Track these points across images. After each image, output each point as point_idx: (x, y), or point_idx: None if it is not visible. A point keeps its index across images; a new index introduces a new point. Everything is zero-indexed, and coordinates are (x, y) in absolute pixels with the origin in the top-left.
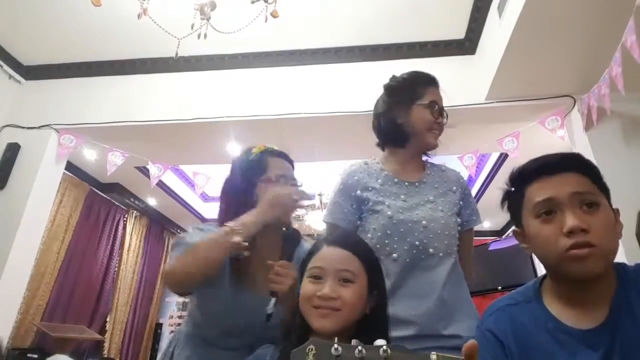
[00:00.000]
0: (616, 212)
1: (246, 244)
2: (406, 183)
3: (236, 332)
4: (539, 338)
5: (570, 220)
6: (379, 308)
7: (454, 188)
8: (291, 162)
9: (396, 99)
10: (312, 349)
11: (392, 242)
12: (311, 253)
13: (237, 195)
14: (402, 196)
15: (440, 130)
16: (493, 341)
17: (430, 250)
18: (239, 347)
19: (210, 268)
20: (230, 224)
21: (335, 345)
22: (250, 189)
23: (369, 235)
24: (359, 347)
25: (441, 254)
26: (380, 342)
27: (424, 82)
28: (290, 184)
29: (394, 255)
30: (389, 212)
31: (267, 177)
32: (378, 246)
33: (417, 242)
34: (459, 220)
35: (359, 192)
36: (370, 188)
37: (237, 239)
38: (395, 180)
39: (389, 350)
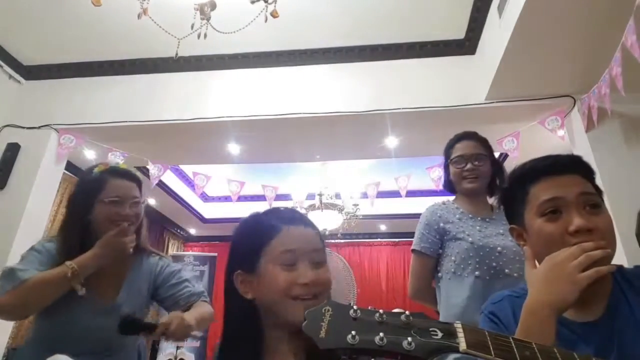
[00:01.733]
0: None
1: (82, 288)
2: (479, 218)
3: (82, 338)
4: None
5: (577, 220)
6: None
7: None
8: (136, 180)
9: (444, 163)
10: (328, 310)
11: (474, 262)
12: (268, 236)
13: (78, 213)
14: (478, 227)
15: (475, 174)
16: (496, 322)
17: (506, 271)
18: (91, 352)
19: (44, 304)
20: (70, 264)
21: (355, 307)
22: (88, 209)
23: (452, 258)
24: (380, 311)
25: (515, 275)
26: (399, 310)
27: (453, 142)
28: (130, 204)
29: (477, 273)
30: (470, 239)
31: (102, 198)
32: (462, 266)
33: (494, 264)
34: None
35: (441, 224)
36: (450, 221)
37: (74, 282)
38: (470, 215)
39: (410, 317)
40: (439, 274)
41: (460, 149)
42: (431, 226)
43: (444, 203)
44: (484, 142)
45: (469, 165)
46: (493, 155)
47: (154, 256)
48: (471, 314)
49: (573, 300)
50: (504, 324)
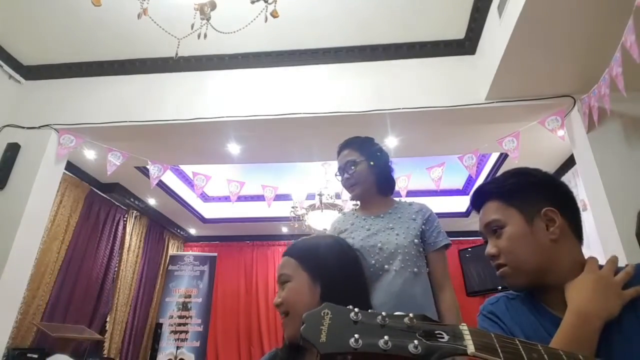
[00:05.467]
0: (541, 215)
1: None
2: (372, 217)
3: None
4: (537, 328)
5: (487, 249)
6: (331, 293)
7: (414, 217)
8: None
9: None
10: (327, 313)
11: None
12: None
13: None
14: (367, 227)
15: (351, 182)
16: (495, 320)
17: (385, 267)
18: None
19: None
20: None
21: (355, 310)
22: None
23: None
24: (382, 314)
25: (395, 269)
26: (401, 313)
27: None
28: None
29: None
30: (352, 241)
31: None
32: None
33: (373, 262)
34: (416, 241)
35: (337, 235)
36: (343, 230)
37: None
38: (364, 217)
39: (414, 319)
40: None
41: (339, 162)
42: None
43: (343, 214)
44: (357, 147)
45: (345, 175)
46: (371, 156)
47: None
48: None
49: (617, 314)
50: (503, 322)
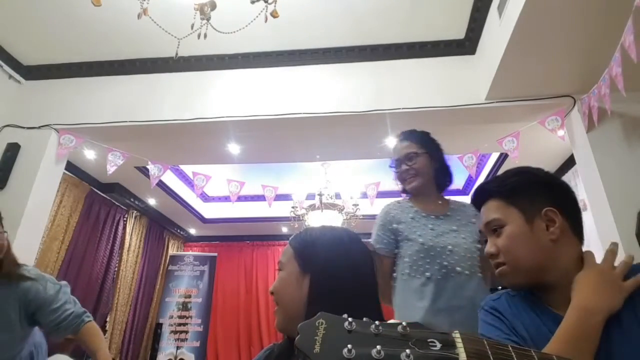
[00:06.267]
0: (542, 215)
1: None
2: (432, 216)
3: None
4: (538, 326)
5: (486, 247)
6: (320, 287)
7: (473, 220)
8: None
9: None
10: (322, 323)
11: (424, 263)
12: None
13: None
14: (430, 226)
15: (410, 174)
16: (498, 315)
17: (457, 269)
18: None
19: None
20: None
21: (349, 319)
22: None
23: (406, 259)
24: (376, 323)
25: (467, 272)
26: (395, 321)
27: (393, 147)
28: None
29: (427, 274)
30: (420, 240)
31: None
32: (414, 267)
33: (445, 263)
34: (478, 245)
35: (394, 225)
36: (403, 221)
37: None
38: (423, 214)
39: (408, 328)
40: (394, 274)
41: (395, 153)
42: (385, 227)
43: (398, 202)
44: (418, 139)
45: (403, 167)
46: (432, 150)
47: (26, 281)
48: (426, 316)
49: (620, 307)
50: (505, 317)
